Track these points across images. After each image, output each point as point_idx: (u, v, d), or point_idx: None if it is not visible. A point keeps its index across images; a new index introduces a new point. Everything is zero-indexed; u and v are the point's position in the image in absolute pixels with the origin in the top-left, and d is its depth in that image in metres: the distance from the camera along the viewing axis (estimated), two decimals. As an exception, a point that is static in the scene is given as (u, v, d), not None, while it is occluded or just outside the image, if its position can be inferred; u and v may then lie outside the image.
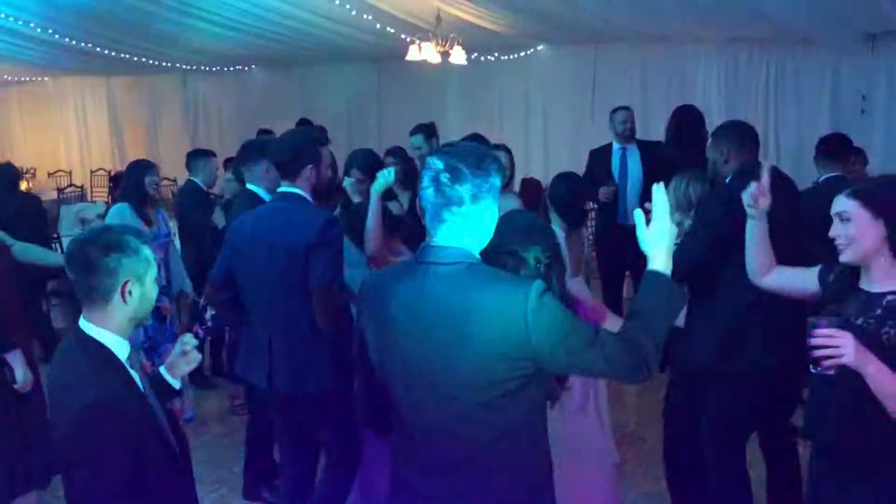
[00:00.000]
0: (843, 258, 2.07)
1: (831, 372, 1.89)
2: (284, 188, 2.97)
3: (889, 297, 2.00)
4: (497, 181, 1.80)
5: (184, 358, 2.21)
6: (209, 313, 4.80)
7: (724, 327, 3.02)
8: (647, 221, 1.90)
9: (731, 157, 3.13)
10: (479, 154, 1.81)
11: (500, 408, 1.75)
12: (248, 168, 3.78)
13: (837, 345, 1.86)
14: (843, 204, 2.04)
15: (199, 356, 2.25)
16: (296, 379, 2.91)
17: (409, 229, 3.57)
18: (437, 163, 1.78)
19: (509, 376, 1.73)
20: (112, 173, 11.55)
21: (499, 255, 2.04)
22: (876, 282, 2.04)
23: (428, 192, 1.78)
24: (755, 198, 2.45)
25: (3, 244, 3.66)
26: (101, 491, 1.83)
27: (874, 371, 1.86)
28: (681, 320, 3.09)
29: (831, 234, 2.08)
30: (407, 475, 1.89)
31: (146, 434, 1.92)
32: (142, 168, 4.70)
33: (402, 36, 7.08)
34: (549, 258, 2.09)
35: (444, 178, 1.75)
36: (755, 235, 2.51)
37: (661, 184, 1.97)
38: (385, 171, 3.35)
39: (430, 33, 6.75)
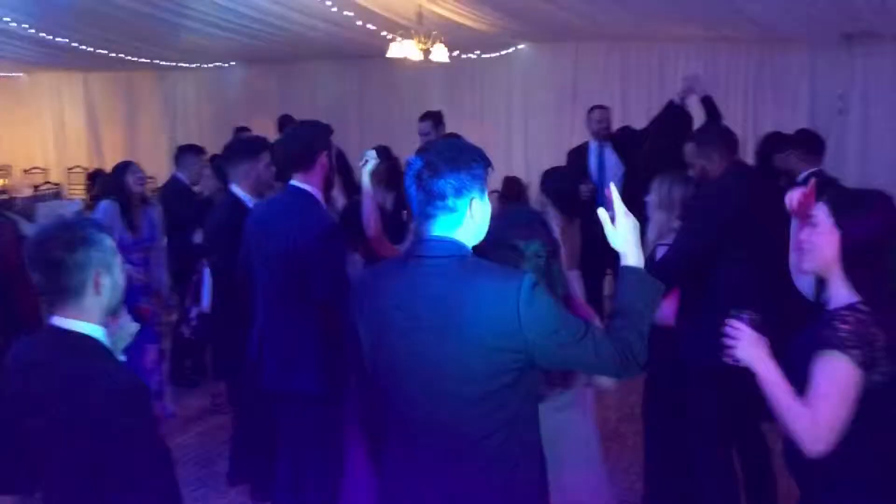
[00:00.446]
0: (805, 265, 2.01)
1: (731, 361, 1.96)
2: (296, 183, 2.91)
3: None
4: (480, 172, 1.82)
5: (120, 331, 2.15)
6: (194, 312, 4.79)
7: (720, 325, 3.01)
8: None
9: (719, 161, 3.22)
10: (456, 148, 1.85)
11: (493, 400, 1.76)
12: (234, 166, 3.69)
13: (736, 337, 1.94)
14: (817, 208, 1.98)
15: (136, 326, 2.18)
16: (281, 377, 2.90)
17: (393, 229, 3.58)
18: (416, 161, 1.81)
19: (503, 369, 1.74)
20: (90, 171, 11.44)
21: (499, 248, 2.07)
22: (831, 297, 1.95)
23: (412, 190, 1.82)
24: (799, 202, 2.36)
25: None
26: (139, 475, 1.79)
27: (762, 373, 1.89)
28: (670, 318, 3.11)
29: (801, 236, 2.03)
30: (401, 472, 1.88)
31: (154, 421, 1.93)
32: (121, 169, 4.67)
33: (384, 33, 7.06)
34: (548, 252, 2.12)
35: (425, 175, 1.78)
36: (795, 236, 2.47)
37: (612, 184, 2.02)
38: (370, 152, 3.34)
39: (412, 30, 6.74)
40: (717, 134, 3.45)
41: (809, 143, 4.78)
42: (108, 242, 1.92)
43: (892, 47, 6.58)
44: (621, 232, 1.91)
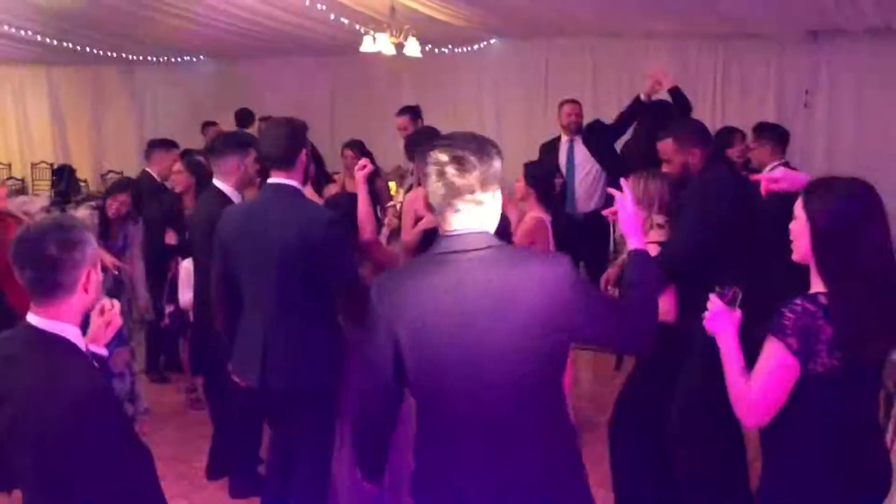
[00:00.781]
0: (794, 256, 2.06)
1: (709, 333, 2.08)
2: (277, 180, 2.89)
3: None
4: (498, 164, 1.83)
5: (103, 322, 2.19)
6: (168, 310, 4.76)
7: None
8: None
9: (700, 155, 3.23)
10: (477, 140, 1.83)
11: (543, 386, 1.82)
12: (223, 160, 3.59)
13: (710, 309, 2.08)
14: (798, 201, 2.02)
15: (120, 320, 2.23)
16: (292, 374, 2.88)
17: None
18: (440, 156, 1.78)
19: (553, 351, 1.80)
20: (55, 166, 11.25)
21: None
22: (812, 286, 1.99)
23: (436, 185, 1.79)
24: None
25: None
26: (105, 483, 1.80)
27: (721, 346, 2.03)
28: (670, 314, 3.11)
29: (791, 226, 2.07)
30: (442, 470, 1.86)
31: (126, 422, 1.93)
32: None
33: (357, 27, 7.04)
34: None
35: (451, 170, 1.76)
36: None
37: (622, 178, 2.17)
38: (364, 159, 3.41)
39: (385, 24, 6.73)
40: (696, 128, 3.46)
41: (777, 136, 4.89)
42: (94, 240, 1.95)
43: (855, 42, 6.73)
44: (631, 220, 2.06)
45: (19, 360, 1.84)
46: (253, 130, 7.62)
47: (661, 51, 7.85)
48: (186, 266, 4.46)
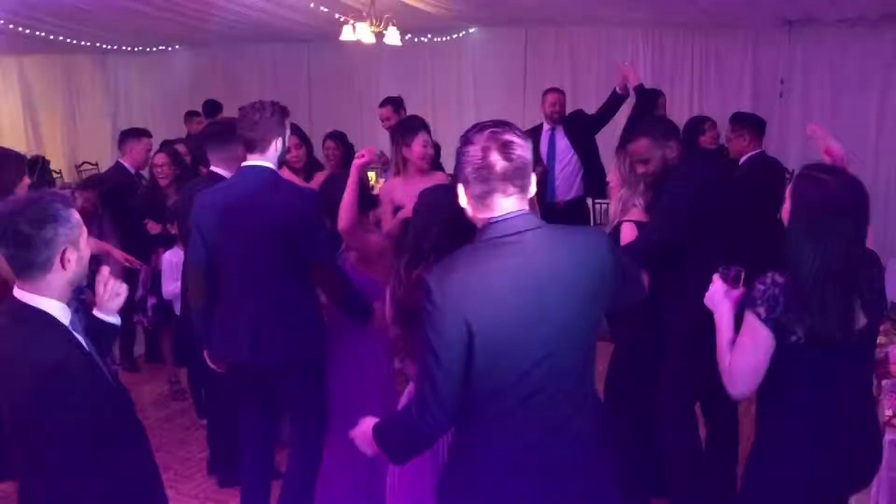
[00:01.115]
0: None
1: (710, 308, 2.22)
2: (253, 162, 2.93)
3: None
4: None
5: (110, 291, 2.17)
6: (151, 302, 4.72)
7: (698, 303, 3.09)
8: None
9: (676, 147, 3.24)
10: (516, 126, 1.85)
11: (591, 355, 1.91)
12: (225, 150, 3.53)
13: (710, 287, 2.23)
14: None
15: (125, 286, 2.22)
16: (284, 349, 2.94)
17: None
18: (492, 141, 1.76)
19: (599, 320, 1.91)
20: (28, 157, 11.05)
21: (459, 221, 2.09)
22: None
23: (483, 171, 1.77)
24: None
25: None
26: (66, 456, 1.82)
27: (717, 318, 2.17)
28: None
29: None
30: (495, 449, 1.84)
31: (101, 397, 1.93)
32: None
33: (336, 15, 7.00)
34: None
35: (503, 154, 1.76)
36: None
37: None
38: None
39: (364, 13, 6.70)
40: (667, 123, 3.51)
41: (756, 125, 4.96)
42: (76, 217, 1.94)
43: (829, 32, 6.83)
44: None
45: (3, 332, 1.89)
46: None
47: (639, 39, 7.91)
48: (168, 258, 4.44)
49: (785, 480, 2.10)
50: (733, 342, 2.09)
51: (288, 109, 3.05)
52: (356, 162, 3.31)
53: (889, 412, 2.63)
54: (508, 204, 1.80)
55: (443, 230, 2.28)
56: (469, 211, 1.86)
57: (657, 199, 3.25)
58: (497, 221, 1.80)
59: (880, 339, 2.83)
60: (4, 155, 3.45)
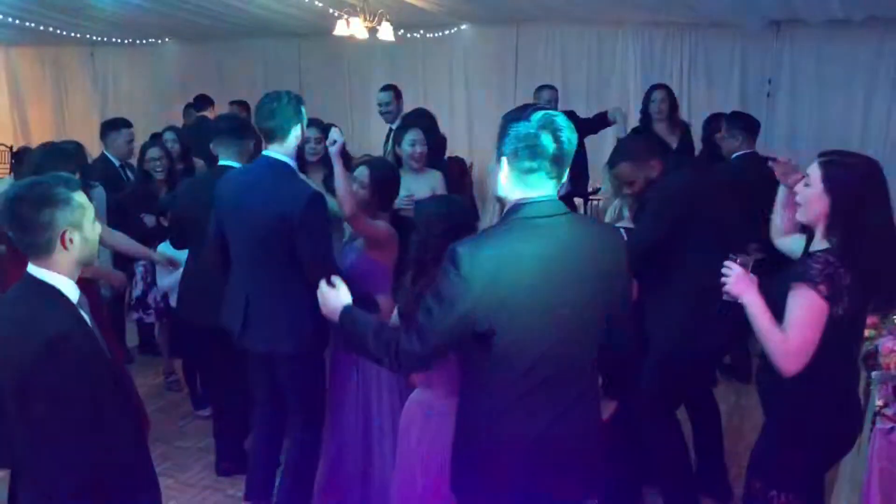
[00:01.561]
0: (799, 217, 2.30)
1: (729, 298, 2.24)
2: (272, 154, 2.96)
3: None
4: None
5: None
6: (153, 296, 4.74)
7: (688, 310, 3.14)
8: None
9: (657, 164, 3.28)
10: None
11: (597, 344, 2.00)
12: (238, 145, 3.59)
13: (728, 275, 2.23)
14: (812, 167, 2.25)
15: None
16: (271, 338, 2.97)
17: None
18: (540, 124, 1.83)
19: (609, 310, 2.02)
20: (14, 149, 10.98)
21: (456, 229, 2.19)
22: (815, 245, 2.25)
23: (531, 151, 1.83)
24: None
25: None
26: (64, 422, 1.87)
27: (749, 303, 2.18)
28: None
29: (797, 189, 2.30)
30: (514, 428, 1.91)
31: (101, 370, 1.99)
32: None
33: (330, 10, 7.02)
34: None
35: (551, 137, 1.84)
36: (780, 200, 2.73)
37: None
38: (333, 131, 3.34)
39: (358, 8, 6.73)
40: (646, 141, 3.70)
41: (749, 126, 5.03)
42: (78, 199, 1.98)
43: (816, 33, 6.92)
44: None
45: (17, 301, 1.98)
46: (211, 114, 7.56)
47: (629, 39, 7.97)
48: (163, 250, 4.44)
49: (819, 394, 2.21)
50: (774, 321, 2.14)
51: (302, 98, 3.08)
52: (333, 151, 3.24)
53: (880, 402, 2.71)
54: (547, 186, 1.87)
55: (441, 241, 2.32)
56: (500, 188, 1.90)
57: (641, 210, 3.31)
58: (531, 203, 1.86)
59: (869, 332, 2.93)
60: (62, 149, 3.62)
